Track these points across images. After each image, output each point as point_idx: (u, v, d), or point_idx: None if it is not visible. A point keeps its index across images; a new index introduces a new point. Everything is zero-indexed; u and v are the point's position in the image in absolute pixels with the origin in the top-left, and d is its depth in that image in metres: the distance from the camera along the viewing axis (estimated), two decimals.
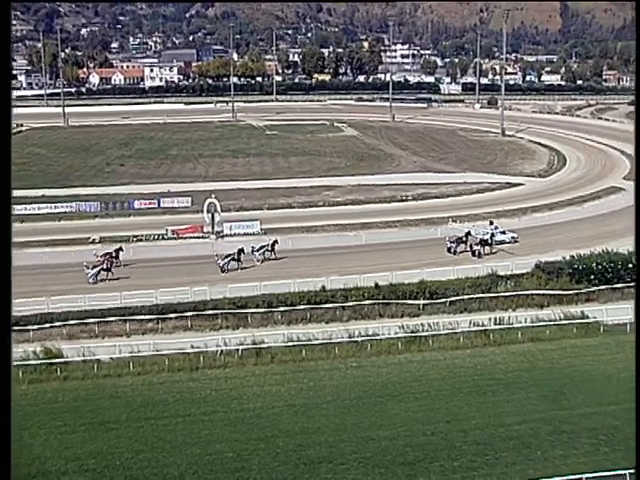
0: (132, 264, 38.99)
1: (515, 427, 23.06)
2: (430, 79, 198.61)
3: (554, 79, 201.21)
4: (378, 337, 29.88)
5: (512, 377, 27.05)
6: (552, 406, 24.79)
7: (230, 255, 38.20)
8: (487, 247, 41.54)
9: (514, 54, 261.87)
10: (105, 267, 36.22)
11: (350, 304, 32.44)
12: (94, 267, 35.84)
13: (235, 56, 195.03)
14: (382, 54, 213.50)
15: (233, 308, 31.75)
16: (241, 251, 38.32)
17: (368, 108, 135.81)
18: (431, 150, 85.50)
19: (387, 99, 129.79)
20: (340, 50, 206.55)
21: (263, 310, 31.77)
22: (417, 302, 33.33)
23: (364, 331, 30.19)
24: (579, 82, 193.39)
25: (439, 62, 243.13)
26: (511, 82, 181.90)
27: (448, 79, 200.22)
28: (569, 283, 35.67)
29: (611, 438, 22.25)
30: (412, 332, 30.36)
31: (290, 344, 28.68)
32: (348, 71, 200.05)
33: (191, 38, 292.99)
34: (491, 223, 46.22)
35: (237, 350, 28.41)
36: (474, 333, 30.67)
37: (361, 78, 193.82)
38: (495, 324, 31.36)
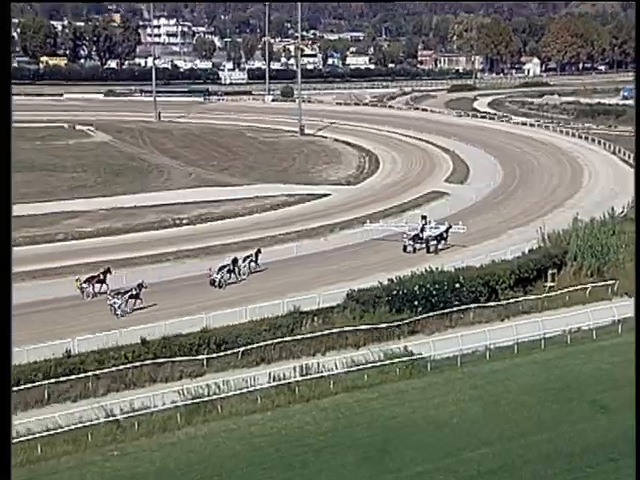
0: None
1: None
2: (207, 65, 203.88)
3: (361, 62, 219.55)
4: (148, 411, 29.91)
5: (325, 440, 28.90)
6: (374, 470, 26.98)
7: (225, 266, 43.03)
8: (443, 242, 49.25)
9: (312, 31, 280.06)
10: (133, 294, 39.61)
11: (108, 370, 31.99)
12: (118, 294, 38.93)
13: None
14: (140, 31, 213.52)
15: None
16: (236, 261, 43.84)
17: (123, 104, 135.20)
18: (211, 158, 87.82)
19: (150, 92, 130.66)
20: (80, 24, 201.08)
21: None
22: (200, 357, 33.96)
23: (128, 405, 30.05)
24: (391, 65, 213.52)
25: (217, 42, 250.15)
26: (309, 67, 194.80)
27: (230, 64, 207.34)
28: (389, 314, 38.98)
29: None
30: (194, 398, 30.86)
31: (16, 440, 27.28)
32: (93, 53, 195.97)
33: None
34: (424, 218, 51.72)
35: None
36: (275, 389, 32.13)
37: (112, 64, 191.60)
38: (301, 375, 33.16)
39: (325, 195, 68.09)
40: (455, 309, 40.07)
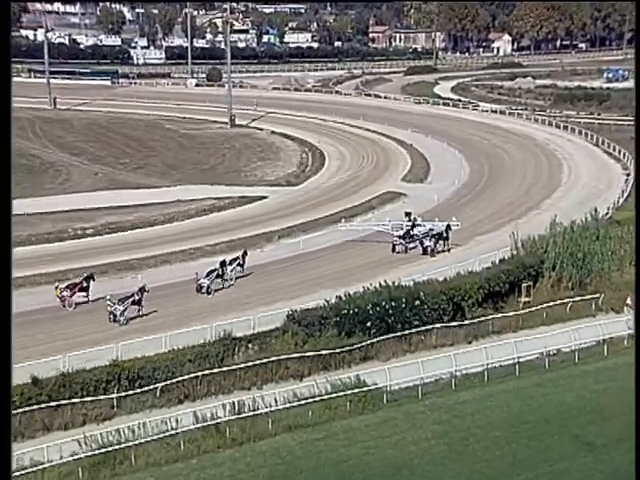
0: None
1: None
2: (114, 41, 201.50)
3: (302, 40, 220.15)
4: (42, 466, 29.41)
5: None
6: None
7: (214, 270, 45.75)
8: (443, 242, 52.44)
9: (243, 2, 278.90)
10: (135, 299, 41.83)
11: None
12: (120, 301, 41.14)
13: None
14: None
15: None
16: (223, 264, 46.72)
17: None
18: (122, 154, 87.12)
19: (42, 73, 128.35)
20: None
21: None
22: (109, 396, 33.56)
23: (15, 463, 29.14)
24: (337, 44, 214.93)
25: (127, 14, 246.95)
26: (241, 45, 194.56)
27: (143, 41, 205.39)
28: (337, 337, 39.31)
29: None
30: (101, 447, 30.49)
31: None
32: None
33: None
34: (407, 215, 55.25)
35: None
36: (202, 432, 31.95)
37: None
38: (233, 413, 33.08)
39: (261, 198, 68.27)
40: (415, 330, 40.50)
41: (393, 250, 52.95)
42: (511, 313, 43.36)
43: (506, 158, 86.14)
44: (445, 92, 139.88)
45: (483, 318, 42.48)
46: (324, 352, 37.75)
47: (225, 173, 78.87)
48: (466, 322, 41.97)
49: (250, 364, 36.45)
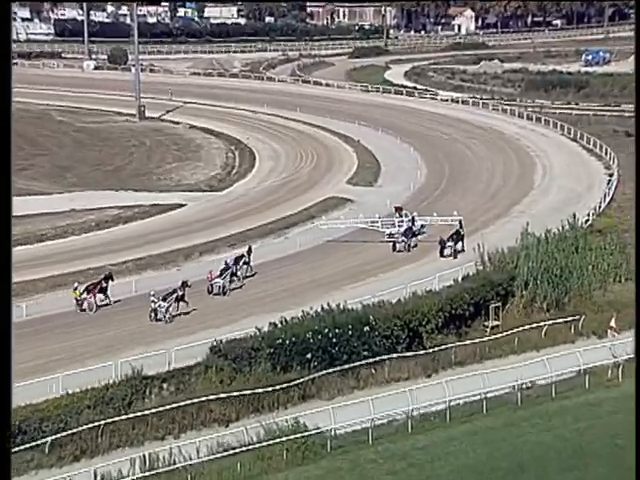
0: None
1: None
2: None
3: (227, 15, 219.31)
4: None
5: None
6: None
7: (227, 268, 49.45)
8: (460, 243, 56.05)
9: None
10: (178, 296, 45.75)
11: None
12: (164, 299, 45.29)
13: None
14: None
15: None
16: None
17: None
18: None
19: None
20: None
21: None
22: None
23: None
24: (269, 20, 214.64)
25: None
26: (151, 20, 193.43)
27: (25, 12, 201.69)
28: (271, 373, 39.33)
29: None
30: None
31: None
32: None
33: None
34: (398, 209, 59.52)
35: None
36: None
37: None
38: (144, 470, 32.87)
39: (178, 206, 67.96)
40: (364, 362, 40.72)
41: (394, 249, 56.57)
42: (477, 340, 43.86)
43: (470, 156, 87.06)
44: (398, 78, 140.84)
45: (444, 346, 42.83)
46: (255, 391, 37.63)
47: (133, 176, 78.29)
48: (424, 352, 42.27)
49: (165, 408, 36.11)
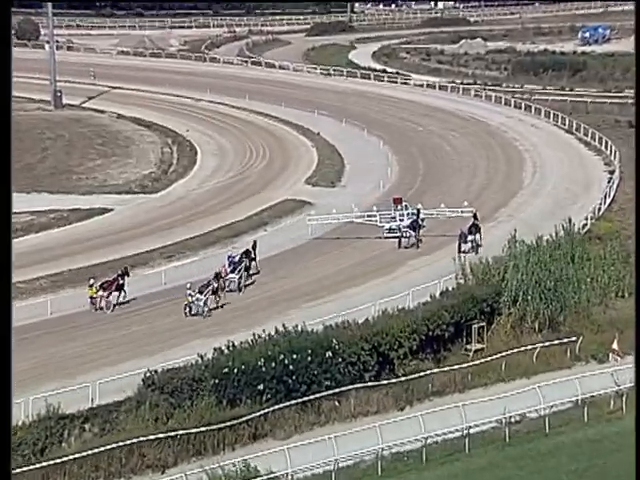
0: None
1: None
2: None
3: None
4: None
5: None
6: None
7: (240, 262, 53.19)
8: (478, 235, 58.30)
9: None
10: (215, 289, 49.70)
11: None
12: (201, 292, 49.18)
13: None
14: None
15: None
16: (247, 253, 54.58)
17: None
18: None
19: None
20: None
21: None
22: None
23: None
24: None
25: None
26: None
27: None
28: (216, 408, 38.95)
29: None
30: None
31: None
32: None
33: None
34: (397, 201, 62.44)
35: None
36: None
37: None
38: None
39: (103, 211, 67.69)
40: (326, 394, 40.59)
41: (399, 245, 58.71)
42: (457, 366, 43.73)
43: (448, 151, 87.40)
44: (364, 60, 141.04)
45: (419, 374, 42.70)
46: (196, 430, 37.35)
47: (48, 176, 77.93)
48: (396, 380, 42.17)
49: (87, 453, 35.62)
